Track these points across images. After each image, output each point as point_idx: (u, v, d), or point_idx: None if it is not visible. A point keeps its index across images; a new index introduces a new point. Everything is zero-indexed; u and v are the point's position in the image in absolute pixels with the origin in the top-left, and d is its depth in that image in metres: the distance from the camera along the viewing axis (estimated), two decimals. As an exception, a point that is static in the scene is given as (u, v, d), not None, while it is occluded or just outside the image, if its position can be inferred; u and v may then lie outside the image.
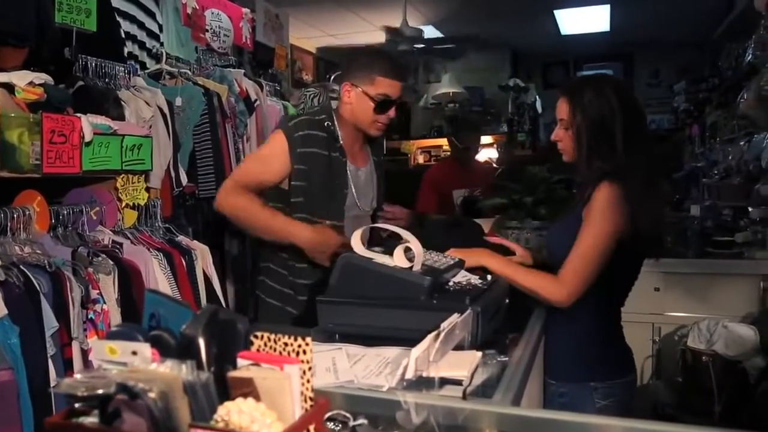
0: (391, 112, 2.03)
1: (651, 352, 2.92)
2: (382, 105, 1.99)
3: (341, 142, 2.08)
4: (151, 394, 0.66)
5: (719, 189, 4.54)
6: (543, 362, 1.78)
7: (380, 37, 6.07)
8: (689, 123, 6.67)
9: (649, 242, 1.67)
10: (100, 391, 0.67)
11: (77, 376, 0.72)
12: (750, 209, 3.27)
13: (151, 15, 3.26)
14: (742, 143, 4.49)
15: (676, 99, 6.94)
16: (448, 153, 4.96)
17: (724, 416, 2.34)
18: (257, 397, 0.71)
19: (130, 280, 2.06)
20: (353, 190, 2.11)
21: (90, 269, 1.95)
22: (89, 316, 1.91)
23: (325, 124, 2.07)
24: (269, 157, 2.08)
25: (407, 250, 1.42)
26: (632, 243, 1.62)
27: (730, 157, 4.79)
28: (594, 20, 6.30)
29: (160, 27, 3.32)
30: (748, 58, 4.16)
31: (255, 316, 2.31)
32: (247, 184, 2.04)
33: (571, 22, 6.36)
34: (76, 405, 0.72)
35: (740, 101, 4.14)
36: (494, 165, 6.37)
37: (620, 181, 1.60)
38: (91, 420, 0.71)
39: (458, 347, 1.22)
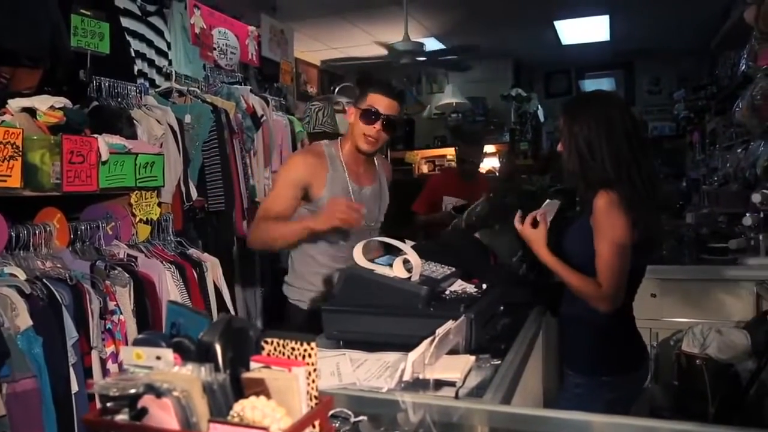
0: (377, 125, 2.11)
1: (650, 357, 2.98)
2: (367, 114, 2.11)
3: (342, 161, 2.20)
4: (175, 393, 0.73)
5: (718, 196, 4.61)
6: (563, 352, 1.90)
7: (381, 49, 6.17)
8: (690, 130, 6.74)
9: (645, 244, 1.77)
10: (132, 391, 0.76)
11: (108, 379, 0.81)
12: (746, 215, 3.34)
13: (160, 33, 3.37)
14: (739, 150, 4.54)
15: (676, 107, 7.02)
16: (453, 162, 5.02)
17: (718, 418, 2.41)
18: (268, 396, 0.80)
19: (144, 291, 2.16)
20: None
21: (107, 282, 2.05)
22: (107, 327, 2.01)
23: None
24: (280, 192, 2.16)
25: (406, 261, 1.52)
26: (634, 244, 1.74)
27: (728, 164, 4.85)
28: (594, 30, 6.37)
29: (169, 45, 3.43)
30: (742, 67, 4.23)
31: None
32: (267, 218, 2.12)
33: (571, 32, 6.42)
34: (108, 405, 0.81)
35: (736, 109, 4.21)
36: (496, 175, 6.47)
37: (614, 188, 1.71)
38: (122, 417, 0.80)
39: (453, 352, 1.31)
